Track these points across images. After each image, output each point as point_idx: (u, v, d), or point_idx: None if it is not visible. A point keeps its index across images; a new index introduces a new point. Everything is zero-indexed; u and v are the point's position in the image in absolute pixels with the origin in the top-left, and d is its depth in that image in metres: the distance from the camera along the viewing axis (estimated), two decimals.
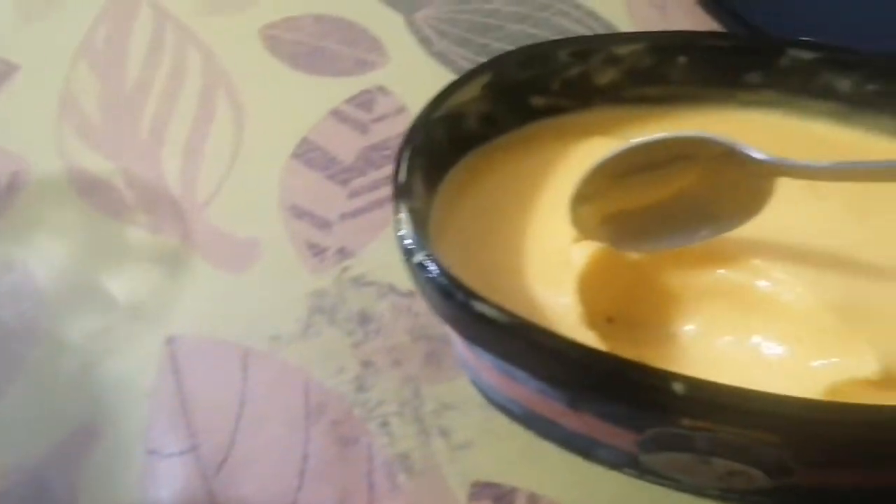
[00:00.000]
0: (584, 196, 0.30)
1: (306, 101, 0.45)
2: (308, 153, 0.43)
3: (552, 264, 0.30)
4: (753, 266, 0.29)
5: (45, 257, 0.41)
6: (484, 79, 0.33)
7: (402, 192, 0.30)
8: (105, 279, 0.40)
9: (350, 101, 0.45)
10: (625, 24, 0.47)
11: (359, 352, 0.36)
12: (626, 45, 0.33)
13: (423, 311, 0.37)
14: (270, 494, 0.32)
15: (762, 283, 0.29)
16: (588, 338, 0.28)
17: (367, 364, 0.36)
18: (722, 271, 0.30)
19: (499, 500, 0.32)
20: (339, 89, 0.46)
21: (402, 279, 0.30)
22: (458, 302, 0.26)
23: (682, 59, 0.33)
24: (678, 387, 0.24)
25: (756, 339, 0.29)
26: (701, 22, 0.46)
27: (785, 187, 0.31)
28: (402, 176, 0.30)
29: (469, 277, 0.28)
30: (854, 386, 0.26)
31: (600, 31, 0.47)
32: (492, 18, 0.48)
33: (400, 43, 0.48)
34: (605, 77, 0.34)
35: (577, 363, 0.25)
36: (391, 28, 0.48)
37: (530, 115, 0.35)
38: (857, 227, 0.29)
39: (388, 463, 0.33)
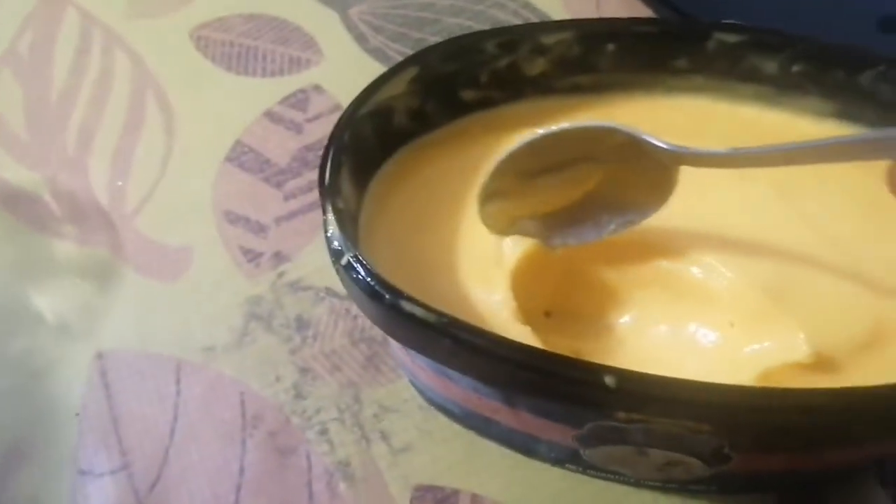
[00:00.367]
0: (491, 194, 0.29)
1: (239, 103, 0.44)
2: (242, 156, 0.42)
3: (484, 261, 0.30)
4: (685, 253, 0.29)
5: None
6: (410, 73, 0.32)
7: (328, 193, 0.29)
8: (32, 295, 0.38)
9: (284, 101, 0.44)
10: (560, 15, 0.47)
11: (296, 358, 0.35)
12: (553, 34, 0.32)
13: (363, 315, 0.36)
14: None
15: (694, 270, 0.29)
16: (522, 333, 0.28)
17: (305, 371, 0.35)
18: (655, 260, 0.29)
19: (441, 503, 0.31)
20: (272, 89, 0.44)
21: (340, 282, 0.29)
22: (386, 303, 0.26)
23: (610, 47, 0.33)
24: (610, 380, 0.24)
25: (690, 326, 0.29)
26: (636, 12, 0.45)
27: (713, 172, 0.31)
28: (328, 175, 0.29)
29: (400, 277, 0.27)
30: (787, 370, 0.26)
31: (536, 21, 0.46)
32: (427, 12, 0.47)
33: (334, 40, 0.46)
34: (535, 67, 0.33)
35: (507, 360, 0.24)
36: (325, 25, 0.47)
37: (461, 108, 0.34)
38: (785, 208, 0.29)
39: (328, 471, 0.32)
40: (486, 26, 0.46)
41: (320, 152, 0.42)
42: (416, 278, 0.29)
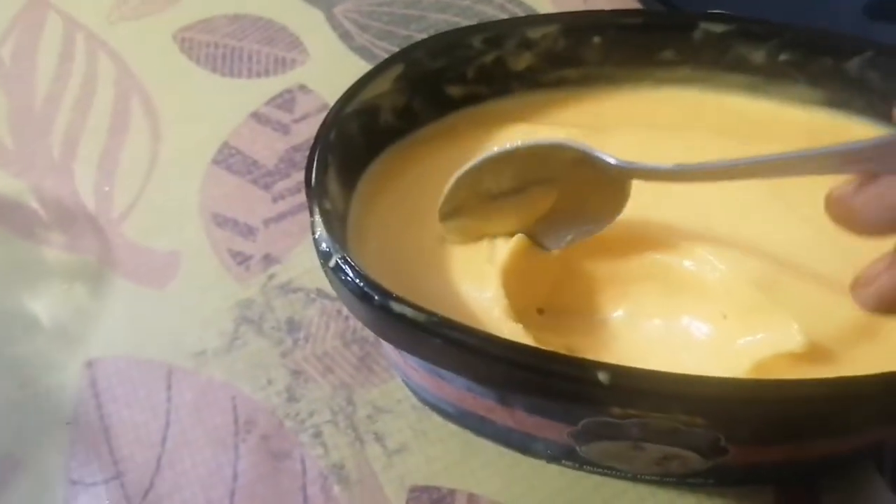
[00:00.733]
0: (451, 211, 0.29)
1: (225, 105, 0.44)
2: (229, 158, 0.42)
3: (475, 259, 0.30)
4: (677, 246, 0.29)
5: None
6: (396, 70, 0.32)
7: (315, 194, 0.28)
8: (20, 303, 0.38)
9: (270, 101, 0.44)
10: (547, 8, 0.47)
11: (288, 361, 0.35)
12: (538, 28, 0.32)
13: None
14: None
15: (686, 263, 0.28)
16: (514, 331, 0.27)
17: (297, 373, 0.34)
18: (647, 254, 0.29)
19: None
20: (258, 90, 0.44)
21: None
22: (375, 304, 0.25)
23: (596, 40, 0.32)
24: (603, 376, 0.23)
25: (684, 319, 0.29)
26: (623, 3, 0.45)
27: None
28: (315, 176, 0.29)
29: (390, 278, 0.27)
30: (780, 360, 0.26)
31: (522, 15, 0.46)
32: (413, 9, 0.47)
33: (320, 39, 0.46)
34: (521, 62, 0.33)
35: (499, 359, 0.24)
36: (311, 24, 0.47)
37: (448, 105, 0.34)
38: (775, 202, 0.29)
39: (322, 475, 0.32)
40: (473, 22, 0.46)
41: (308, 153, 0.43)
42: (407, 278, 0.29)
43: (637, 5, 0.45)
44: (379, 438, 0.33)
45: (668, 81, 0.33)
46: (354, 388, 0.34)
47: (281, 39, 0.46)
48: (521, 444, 0.31)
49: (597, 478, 0.31)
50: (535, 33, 0.32)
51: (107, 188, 0.41)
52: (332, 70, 0.45)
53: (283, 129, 0.43)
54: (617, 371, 0.23)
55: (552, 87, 0.34)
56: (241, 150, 0.42)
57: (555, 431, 0.28)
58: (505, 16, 0.46)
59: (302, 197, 0.40)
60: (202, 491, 0.32)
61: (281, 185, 0.41)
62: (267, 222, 0.39)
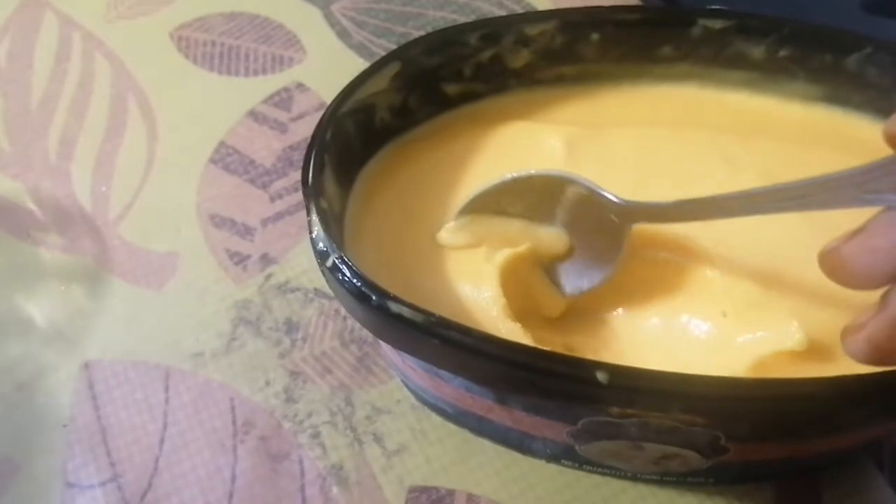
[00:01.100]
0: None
1: (222, 104, 0.43)
2: (226, 158, 0.41)
3: (474, 258, 0.29)
4: (677, 245, 0.28)
5: None
6: (393, 69, 0.31)
7: (312, 193, 0.28)
8: (17, 304, 0.38)
9: (267, 100, 0.43)
10: (545, 5, 0.46)
11: (286, 362, 0.35)
12: (536, 25, 0.32)
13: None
14: None
15: (686, 262, 0.28)
16: (513, 330, 0.27)
17: (295, 374, 0.34)
18: (647, 252, 0.29)
19: None
20: (255, 89, 0.44)
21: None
22: (373, 304, 0.25)
23: (594, 36, 0.32)
24: (602, 376, 0.23)
25: (683, 317, 0.28)
26: (623, 0, 0.45)
27: (702, 163, 0.31)
28: (312, 176, 0.29)
29: (388, 277, 0.27)
30: (780, 359, 0.26)
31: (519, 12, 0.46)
32: (411, 6, 0.47)
33: (317, 37, 0.46)
34: (519, 59, 0.33)
35: (497, 359, 0.24)
36: (308, 22, 0.47)
37: (445, 103, 0.33)
38: None
39: (321, 476, 0.32)
40: (471, 18, 0.46)
41: (305, 152, 0.42)
42: (404, 277, 0.29)
43: (636, 1, 0.45)
44: (378, 439, 0.32)
45: (666, 78, 0.33)
46: (353, 389, 0.34)
47: (278, 37, 0.46)
48: (520, 443, 0.30)
49: (596, 477, 0.31)
50: (532, 30, 0.32)
51: (104, 189, 0.41)
52: (329, 68, 0.44)
53: (281, 127, 0.42)
54: (615, 370, 0.23)
55: (550, 85, 0.34)
56: (238, 149, 0.42)
57: (554, 431, 0.28)
58: (502, 12, 0.46)
59: (300, 196, 0.40)
60: (200, 493, 0.32)
61: (278, 185, 0.40)
62: (264, 222, 0.39)
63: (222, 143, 0.42)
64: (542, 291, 0.30)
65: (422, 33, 0.45)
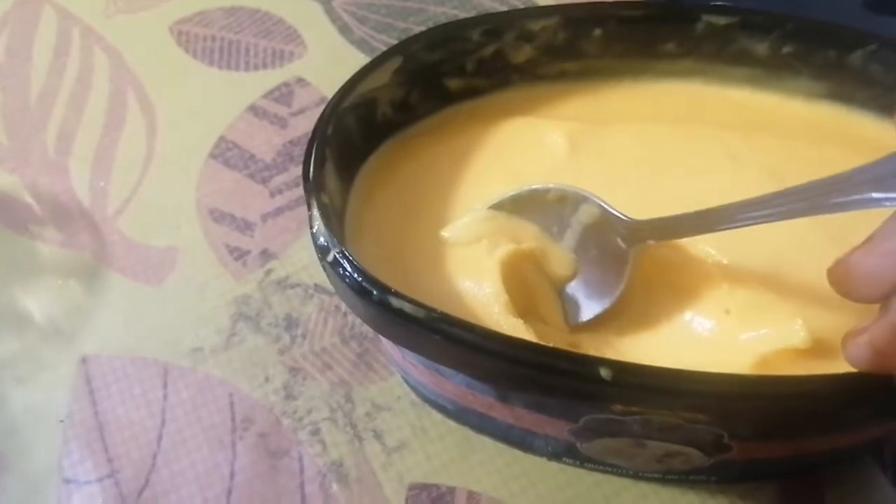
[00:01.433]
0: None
1: (222, 99, 0.43)
2: (226, 153, 0.41)
3: (475, 253, 0.29)
4: (681, 242, 0.28)
5: None
6: (394, 63, 0.31)
7: (313, 188, 0.28)
8: (15, 299, 0.37)
9: (268, 95, 0.43)
10: (547, 0, 0.46)
11: (286, 358, 0.34)
12: (538, 20, 0.32)
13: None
14: None
15: (690, 258, 0.28)
16: (515, 326, 0.27)
17: (295, 370, 0.34)
18: (651, 242, 0.29)
19: (437, 502, 0.31)
20: (255, 84, 0.44)
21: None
22: (374, 299, 0.25)
23: (597, 32, 0.32)
24: (605, 372, 0.23)
25: (687, 315, 0.28)
26: None
27: (706, 159, 0.31)
28: (313, 170, 0.28)
29: (389, 273, 0.27)
30: (784, 356, 0.26)
31: (521, 7, 0.45)
32: (412, 1, 0.46)
33: (318, 32, 0.46)
34: (521, 55, 0.33)
35: (499, 355, 0.24)
36: (308, 16, 0.46)
37: (446, 98, 0.33)
38: None
39: (320, 473, 0.31)
40: (472, 14, 0.46)
41: (305, 147, 0.42)
42: (405, 273, 0.29)
43: None
44: (378, 436, 0.32)
45: (669, 74, 0.33)
46: (353, 386, 0.34)
47: (278, 32, 0.46)
48: (521, 441, 0.30)
49: (598, 475, 0.31)
50: (534, 25, 0.32)
51: (102, 184, 0.41)
52: (330, 63, 0.44)
53: (281, 122, 0.42)
54: (619, 367, 0.23)
55: (552, 80, 0.33)
56: (238, 144, 0.41)
57: (555, 428, 0.28)
58: (504, 8, 0.46)
59: (300, 192, 0.40)
60: (199, 489, 0.31)
61: (279, 180, 0.40)
62: (265, 217, 0.39)
63: (222, 138, 0.42)
64: (543, 294, 0.30)
65: (423, 29, 0.45)
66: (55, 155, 0.42)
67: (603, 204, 0.28)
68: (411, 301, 0.24)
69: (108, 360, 0.35)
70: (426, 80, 0.32)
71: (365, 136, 0.32)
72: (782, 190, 0.24)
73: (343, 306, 0.36)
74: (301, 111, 0.43)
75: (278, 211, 0.39)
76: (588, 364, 0.23)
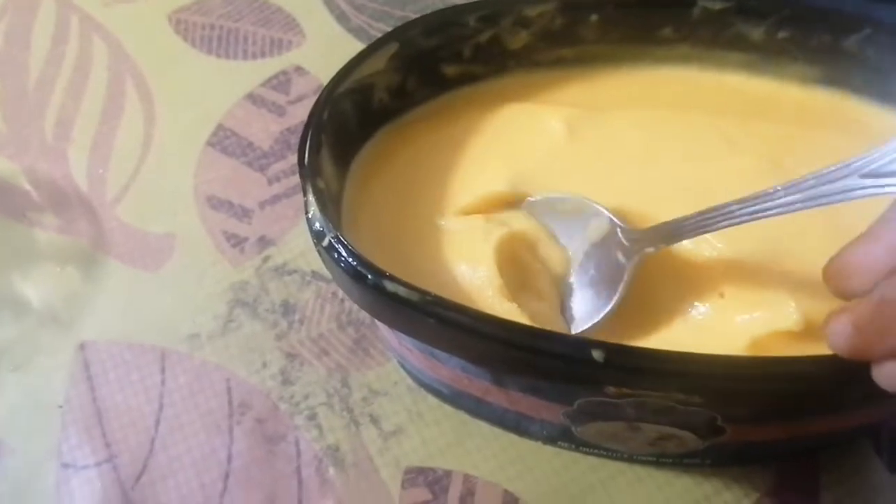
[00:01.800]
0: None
1: (220, 87, 0.43)
2: (224, 140, 0.41)
3: (469, 238, 0.29)
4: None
5: None
6: (391, 49, 0.31)
7: (308, 173, 0.28)
8: (13, 285, 0.38)
9: (266, 83, 0.43)
10: None
11: (283, 344, 0.35)
12: (535, 6, 0.32)
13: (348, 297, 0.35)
14: (194, 502, 0.31)
15: (685, 242, 0.28)
16: (509, 310, 0.27)
17: (292, 356, 0.34)
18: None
19: (433, 486, 0.31)
20: (253, 72, 0.44)
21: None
22: (369, 283, 0.25)
23: (594, 18, 0.32)
24: (597, 354, 0.23)
25: (681, 298, 0.28)
26: None
27: (703, 144, 0.31)
28: (308, 156, 0.28)
29: (384, 257, 0.27)
30: (777, 338, 0.26)
31: None
32: None
33: (316, 20, 0.46)
34: (518, 41, 0.33)
35: (493, 338, 0.24)
36: (306, 5, 0.46)
37: (443, 84, 0.33)
38: (773, 179, 0.29)
39: (317, 457, 0.32)
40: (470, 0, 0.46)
41: (300, 135, 0.42)
42: (401, 258, 0.29)
43: None
44: (374, 421, 0.32)
45: (666, 60, 0.33)
46: (350, 371, 0.34)
47: (276, 21, 0.46)
48: (517, 425, 0.30)
49: (592, 459, 0.31)
50: (531, 11, 0.32)
51: (101, 171, 0.41)
52: (327, 51, 0.44)
53: (279, 110, 0.42)
54: (611, 349, 0.23)
55: (549, 66, 0.33)
56: (236, 131, 0.41)
57: (550, 412, 0.28)
58: None
59: (297, 179, 0.39)
60: (196, 474, 0.32)
61: (276, 167, 0.40)
62: (262, 204, 0.39)
63: (220, 126, 0.42)
64: (538, 275, 0.30)
65: None
66: (53, 142, 0.42)
67: (613, 219, 0.28)
68: (406, 285, 0.24)
69: (106, 346, 0.35)
70: (423, 66, 0.32)
71: (361, 122, 0.32)
72: (782, 184, 0.24)
73: (340, 292, 0.36)
74: (299, 99, 0.43)
75: (276, 198, 0.39)
76: (581, 346, 0.23)
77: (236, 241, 0.38)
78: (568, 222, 0.29)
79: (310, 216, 0.27)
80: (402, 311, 0.25)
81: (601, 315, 0.28)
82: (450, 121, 0.33)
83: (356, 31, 0.45)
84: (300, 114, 0.42)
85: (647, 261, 0.29)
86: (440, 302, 0.24)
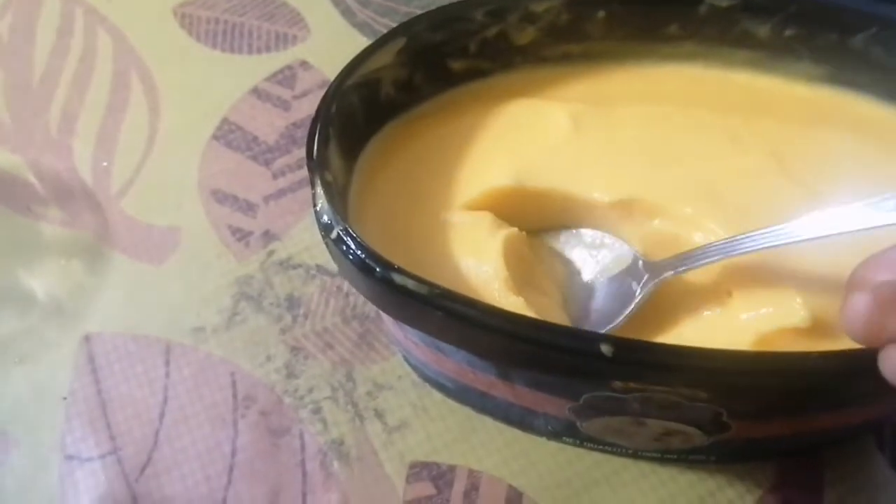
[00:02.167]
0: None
1: (225, 81, 0.43)
2: (229, 134, 0.41)
3: (476, 231, 0.29)
4: (686, 216, 0.28)
5: None
6: (398, 44, 0.31)
7: (316, 166, 0.28)
8: (18, 278, 0.38)
9: (271, 77, 0.43)
10: None
11: (288, 337, 0.35)
12: (542, 2, 0.32)
13: (355, 291, 0.35)
14: (198, 494, 0.31)
15: (696, 235, 0.28)
16: (516, 304, 0.27)
17: (296, 350, 0.34)
18: (655, 222, 0.29)
19: (437, 480, 0.31)
20: (258, 66, 0.44)
21: (331, 259, 0.29)
22: (377, 276, 0.25)
23: (600, 14, 0.32)
24: (606, 348, 0.23)
25: (689, 294, 0.28)
26: None
27: (708, 142, 0.31)
28: (316, 149, 0.28)
29: (391, 250, 0.27)
30: (784, 335, 0.26)
31: None
32: None
33: (321, 15, 0.46)
34: (524, 36, 0.33)
35: (501, 331, 0.24)
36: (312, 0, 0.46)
37: (450, 79, 0.33)
38: (782, 175, 0.29)
39: (321, 451, 0.32)
40: None
41: (308, 129, 0.42)
42: (407, 251, 0.29)
43: None
44: (379, 415, 0.32)
45: (672, 57, 0.33)
46: (354, 365, 0.34)
47: (282, 15, 0.46)
48: (522, 420, 0.30)
49: (597, 454, 0.31)
50: (538, 7, 0.32)
51: (105, 164, 0.41)
52: (333, 46, 0.44)
53: (284, 105, 0.42)
54: (620, 343, 0.23)
55: (556, 62, 0.33)
56: (241, 126, 0.42)
57: (556, 406, 0.28)
58: None
59: (302, 173, 0.40)
60: (200, 467, 0.32)
61: (281, 162, 0.40)
62: (267, 199, 0.39)
63: (225, 120, 0.42)
64: (542, 275, 0.30)
65: None
66: (58, 135, 0.42)
67: (636, 253, 0.29)
68: (414, 278, 0.24)
69: (110, 338, 0.35)
70: (430, 61, 0.32)
71: (368, 116, 0.32)
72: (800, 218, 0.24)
73: (345, 287, 0.36)
74: (304, 94, 0.43)
75: (281, 193, 0.39)
76: (590, 340, 0.23)
77: (241, 235, 0.38)
78: (587, 252, 0.30)
79: (318, 209, 0.27)
80: (411, 304, 0.25)
81: (608, 328, 0.28)
82: (456, 116, 0.33)
83: (361, 26, 0.45)
84: (305, 108, 0.42)
85: (656, 256, 0.29)
86: (448, 295, 0.24)
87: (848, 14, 0.30)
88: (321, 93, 0.30)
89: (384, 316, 0.30)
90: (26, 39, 0.46)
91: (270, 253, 0.37)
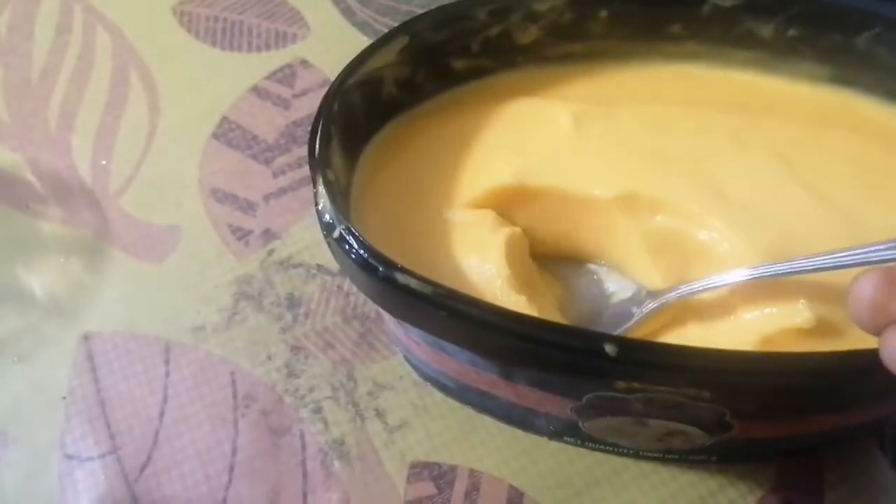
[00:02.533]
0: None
1: (225, 79, 0.43)
2: (228, 133, 0.41)
3: (479, 230, 0.29)
4: (691, 213, 0.28)
5: None
6: (400, 42, 0.31)
7: (318, 165, 0.28)
8: (17, 276, 0.37)
9: (271, 76, 0.43)
10: None
11: (288, 337, 0.34)
12: (545, 1, 0.32)
13: (355, 291, 0.35)
14: (198, 494, 0.31)
15: (701, 234, 0.28)
16: (518, 302, 0.27)
17: (297, 349, 0.34)
18: (658, 218, 0.29)
19: (438, 480, 0.31)
20: (258, 65, 0.43)
21: (332, 258, 0.29)
22: (380, 275, 0.25)
23: (603, 13, 0.32)
24: (610, 348, 0.23)
25: (692, 295, 0.28)
26: None
27: (711, 141, 0.31)
28: (318, 147, 0.28)
29: (393, 250, 0.27)
30: (788, 336, 0.26)
31: None
32: None
33: (321, 14, 0.45)
34: (527, 35, 0.33)
35: (503, 330, 0.24)
36: None
37: (452, 78, 0.33)
38: (788, 176, 0.29)
39: (322, 451, 0.32)
40: None
41: (308, 128, 0.42)
42: (409, 250, 0.29)
43: None
44: (380, 414, 0.32)
45: (675, 56, 0.33)
46: (355, 365, 0.34)
47: (281, 13, 0.46)
48: (523, 420, 0.30)
49: (598, 454, 0.31)
50: (540, 6, 0.32)
51: (104, 162, 0.41)
52: (333, 45, 0.44)
53: (284, 103, 0.42)
54: (624, 343, 0.23)
55: (558, 62, 0.33)
56: (240, 124, 0.41)
57: (558, 406, 0.28)
58: None
59: (303, 172, 0.40)
60: (200, 466, 0.32)
61: (281, 160, 0.40)
62: (267, 198, 0.39)
63: (225, 118, 0.42)
64: (541, 277, 0.30)
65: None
66: (57, 132, 0.42)
67: (642, 287, 0.29)
68: (417, 277, 0.24)
69: (109, 336, 0.35)
70: (432, 60, 0.32)
71: (370, 114, 0.31)
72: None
73: (345, 286, 0.36)
74: (304, 92, 0.42)
75: (281, 191, 0.39)
76: (593, 340, 0.23)
77: (241, 234, 0.38)
78: (592, 282, 0.31)
79: (320, 207, 0.27)
80: (413, 303, 0.24)
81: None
82: (458, 114, 0.33)
83: (361, 26, 0.45)
84: (305, 107, 0.42)
85: (660, 255, 0.29)
86: (451, 294, 0.24)
87: (851, 14, 0.30)
88: (321, 91, 0.30)
89: (385, 315, 0.30)
90: (25, 37, 0.46)
91: (270, 252, 0.37)
